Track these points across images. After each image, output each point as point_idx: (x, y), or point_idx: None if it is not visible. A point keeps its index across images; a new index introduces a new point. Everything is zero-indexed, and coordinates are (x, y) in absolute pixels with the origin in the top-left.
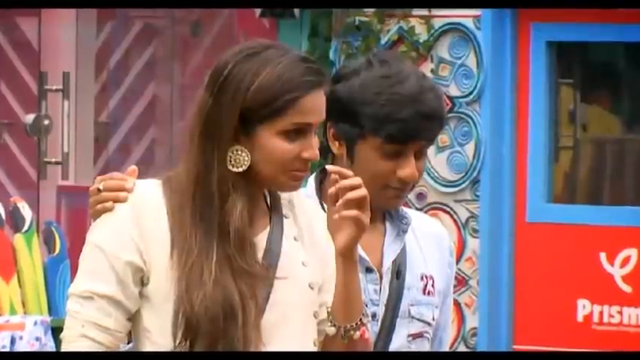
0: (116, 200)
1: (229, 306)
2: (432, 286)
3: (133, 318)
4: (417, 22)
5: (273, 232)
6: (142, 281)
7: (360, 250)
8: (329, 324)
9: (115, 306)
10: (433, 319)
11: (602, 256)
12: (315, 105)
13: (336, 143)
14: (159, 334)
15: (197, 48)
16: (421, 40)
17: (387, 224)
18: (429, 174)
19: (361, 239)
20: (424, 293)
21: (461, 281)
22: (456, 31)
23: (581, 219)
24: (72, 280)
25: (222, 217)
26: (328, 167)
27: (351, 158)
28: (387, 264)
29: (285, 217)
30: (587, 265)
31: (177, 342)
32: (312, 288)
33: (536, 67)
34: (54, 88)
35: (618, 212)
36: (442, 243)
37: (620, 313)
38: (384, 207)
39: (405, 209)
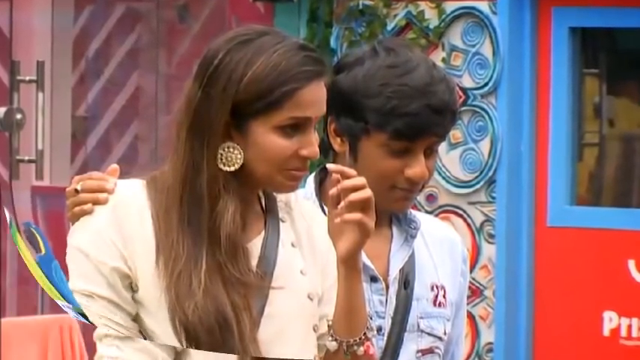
0: (95, 202)
1: (222, 318)
2: (444, 296)
3: (137, 320)
4: (426, 6)
5: (268, 238)
6: (132, 287)
7: (365, 258)
8: (330, 338)
9: (115, 307)
10: (445, 333)
11: (631, 263)
12: (315, 97)
13: (338, 140)
14: (165, 338)
15: (185, 35)
16: (431, 26)
17: (394, 229)
18: (439, 173)
19: (365, 245)
20: (435, 305)
21: (475, 291)
22: (470, 16)
23: (607, 223)
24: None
25: (212, 221)
26: (329, 166)
27: (354, 156)
28: (394, 273)
29: (282, 221)
30: (614, 274)
31: (183, 347)
32: (311, 299)
33: (558, 56)
34: (27, 79)
35: None
36: (455, 249)
37: None
38: (391, 210)
39: (414, 212)
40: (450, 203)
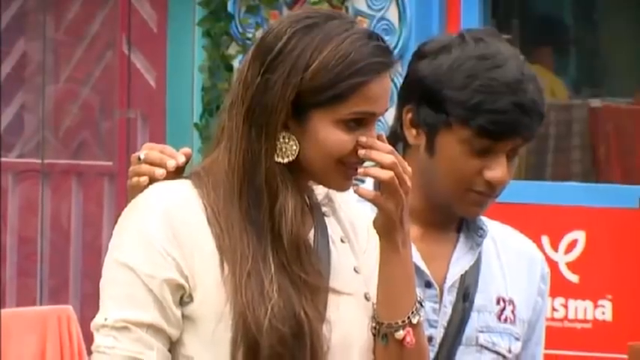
0: (152, 177)
1: (297, 324)
2: (512, 312)
3: (174, 347)
4: None
5: (319, 235)
6: (183, 301)
7: (420, 261)
8: (373, 322)
9: (157, 335)
10: (509, 350)
11: (545, 239)
12: (382, 91)
13: (413, 131)
14: None
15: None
16: None
17: (462, 234)
18: None
19: (425, 248)
20: (500, 319)
21: None
22: None
23: (520, 197)
24: None
25: (272, 218)
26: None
27: (431, 150)
28: (452, 279)
29: (326, 216)
30: None
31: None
32: (367, 300)
33: (467, 22)
34: None
35: (563, 189)
36: (534, 266)
37: (565, 306)
38: (461, 214)
39: (486, 219)
40: None
